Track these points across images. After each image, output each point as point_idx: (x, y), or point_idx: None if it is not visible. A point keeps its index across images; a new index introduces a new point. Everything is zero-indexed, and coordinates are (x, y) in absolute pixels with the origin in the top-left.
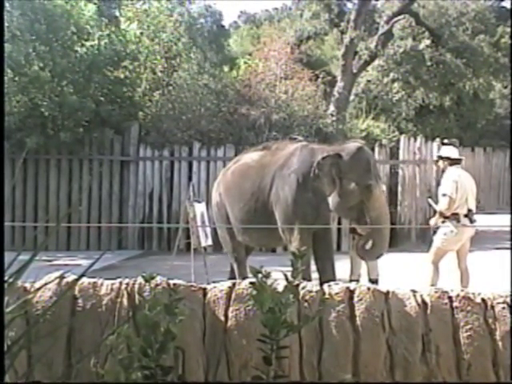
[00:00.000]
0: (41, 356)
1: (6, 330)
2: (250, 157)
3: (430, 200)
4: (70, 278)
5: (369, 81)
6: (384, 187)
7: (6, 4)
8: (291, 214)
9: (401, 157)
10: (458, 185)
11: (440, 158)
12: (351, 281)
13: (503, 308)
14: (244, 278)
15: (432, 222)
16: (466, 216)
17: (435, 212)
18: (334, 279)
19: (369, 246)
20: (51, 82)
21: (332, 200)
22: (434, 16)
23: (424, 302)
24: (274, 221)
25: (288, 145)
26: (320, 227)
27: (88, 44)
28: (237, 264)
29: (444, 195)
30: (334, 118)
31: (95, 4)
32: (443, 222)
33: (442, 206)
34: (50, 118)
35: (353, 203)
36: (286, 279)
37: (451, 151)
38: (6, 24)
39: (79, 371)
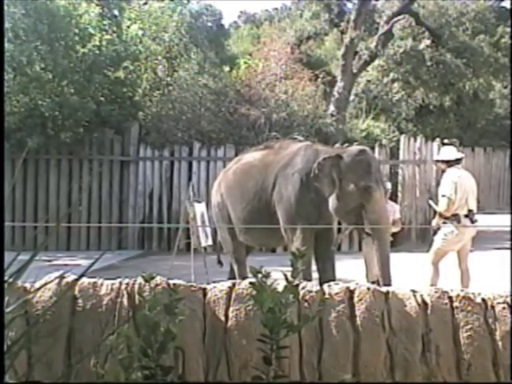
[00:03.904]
0: (41, 356)
1: (6, 330)
2: (253, 156)
3: (430, 201)
4: (70, 278)
5: (369, 81)
6: (389, 185)
7: (9, 4)
8: (294, 213)
9: (401, 157)
10: (458, 186)
11: (439, 160)
12: (373, 283)
13: (503, 308)
14: (244, 278)
15: (433, 223)
16: (466, 216)
17: (436, 213)
18: (334, 279)
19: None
20: (52, 82)
21: (331, 202)
22: (434, 16)
23: (424, 301)
24: (275, 220)
25: (291, 144)
26: (322, 227)
27: (89, 44)
28: (237, 264)
29: (443, 196)
30: (334, 118)
31: (97, 5)
32: (444, 222)
33: (441, 207)
34: (51, 118)
35: (352, 206)
36: (286, 279)
37: (450, 152)
38: (9, 24)
39: (79, 371)
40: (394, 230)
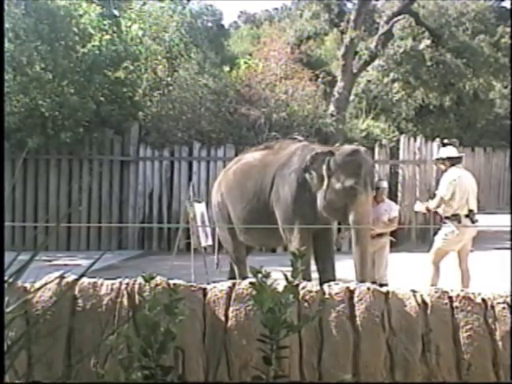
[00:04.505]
0: (41, 356)
1: (6, 330)
2: (252, 156)
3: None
4: (70, 278)
5: (369, 81)
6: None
7: (9, 4)
8: (291, 213)
9: (401, 157)
10: (457, 186)
11: (440, 159)
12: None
13: (503, 308)
14: (244, 278)
15: (416, 205)
16: (466, 216)
17: (436, 213)
18: (334, 279)
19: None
20: (52, 82)
21: (318, 198)
22: (434, 16)
23: (424, 301)
24: (274, 220)
25: (290, 144)
26: (320, 227)
27: (89, 44)
28: (237, 264)
29: (437, 194)
30: (334, 118)
31: (98, 5)
32: (443, 222)
33: (432, 203)
34: (51, 118)
35: (338, 205)
36: (286, 279)
37: (450, 151)
38: (9, 24)
39: (79, 371)
40: (391, 229)
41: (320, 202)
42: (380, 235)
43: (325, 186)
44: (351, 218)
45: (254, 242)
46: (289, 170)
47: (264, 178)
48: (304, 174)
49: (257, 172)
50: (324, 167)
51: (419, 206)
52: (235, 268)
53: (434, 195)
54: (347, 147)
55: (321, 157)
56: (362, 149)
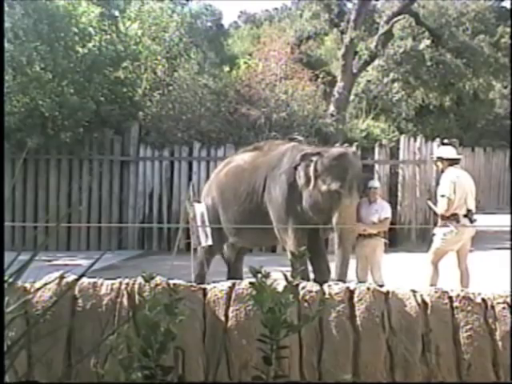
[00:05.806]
0: (41, 356)
1: (6, 330)
2: (242, 158)
3: (429, 202)
4: (70, 278)
5: (369, 81)
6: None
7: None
8: (283, 213)
9: (401, 157)
10: (457, 185)
11: (439, 158)
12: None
13: (503, 308)
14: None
15: (437, 228)
16: (465, 216)
17: (435, 213)
18: (329, 279)
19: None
20: (52, 82)
21: (304, 198)
22: (434, 16)
23: (424, 301)
24: (268, 221)
25: (280, 145)
26: (314, 227)
27: (89, 44)
28: (199, 266)
29: (442, 196)
30: (334, 118)
31: (98, 6)
32: (445, 223)
33: (440, 207)
34: (51, 118)
35: (323, 206)
36: (286, 279)
37: (449, 151)
38: (9, 24)
39: (79, 371)
40: (381, 229)
41: (306, 202)
42: (369, 236)
43: (311, 187)
44: (334, 220)
45: (247, 243)
46: (279, 170)
47: (256, 180)
48: (294, 173)
49: (248, 174)
50: (311, 168)
51: (439, 224)
52: (196, 270)
53: (435, 195)
54: (335, 150)
55: (309, 157)
56: (351, 152)
